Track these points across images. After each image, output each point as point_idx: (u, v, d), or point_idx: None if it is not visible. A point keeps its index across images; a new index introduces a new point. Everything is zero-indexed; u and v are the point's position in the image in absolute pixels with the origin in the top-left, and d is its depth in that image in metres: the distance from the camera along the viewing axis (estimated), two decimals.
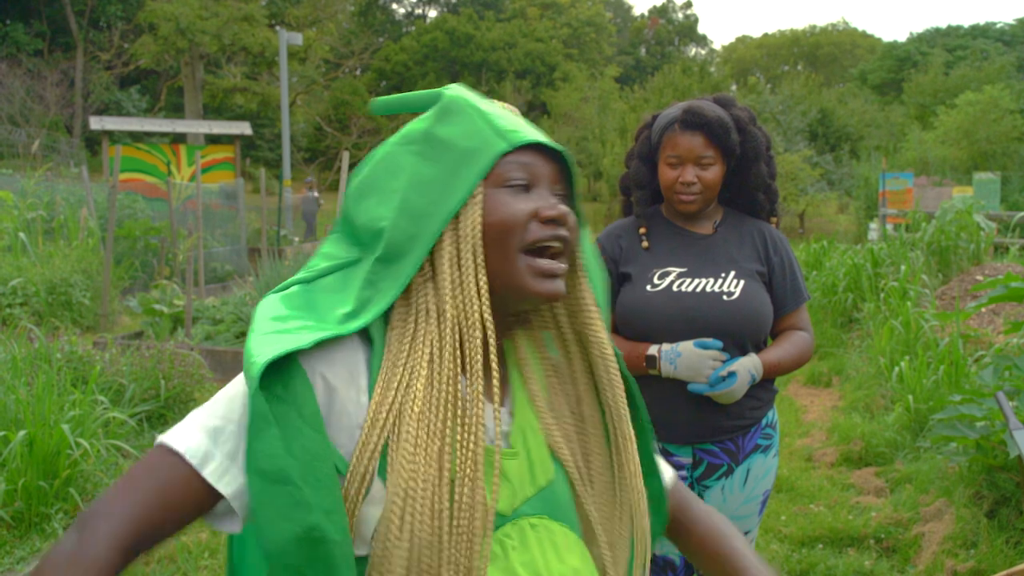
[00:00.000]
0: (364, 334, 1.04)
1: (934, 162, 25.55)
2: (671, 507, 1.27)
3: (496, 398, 1.02)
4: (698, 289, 2.28)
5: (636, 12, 64.75)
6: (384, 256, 1.05)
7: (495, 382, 1.01)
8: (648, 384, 2.24)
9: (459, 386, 1.01)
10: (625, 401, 1.15)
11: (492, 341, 1.02)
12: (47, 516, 3.80)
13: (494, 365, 1.01)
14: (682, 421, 2.26)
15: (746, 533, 2.36)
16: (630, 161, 2.46)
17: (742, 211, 2.43)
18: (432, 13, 50.34)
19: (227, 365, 6.48)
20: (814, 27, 60.28)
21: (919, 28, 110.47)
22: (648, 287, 2.30)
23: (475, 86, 34.70)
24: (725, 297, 2.26)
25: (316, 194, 19.11)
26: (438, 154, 1.08)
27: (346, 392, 1.00)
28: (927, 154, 25.99)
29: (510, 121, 1.11)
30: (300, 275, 1.10)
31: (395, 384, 1.00)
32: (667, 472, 1.28)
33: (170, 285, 7.57)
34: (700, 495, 2.34)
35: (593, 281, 1.17)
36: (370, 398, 1.00)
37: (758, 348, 2.30)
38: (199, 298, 7.79)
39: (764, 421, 2.33)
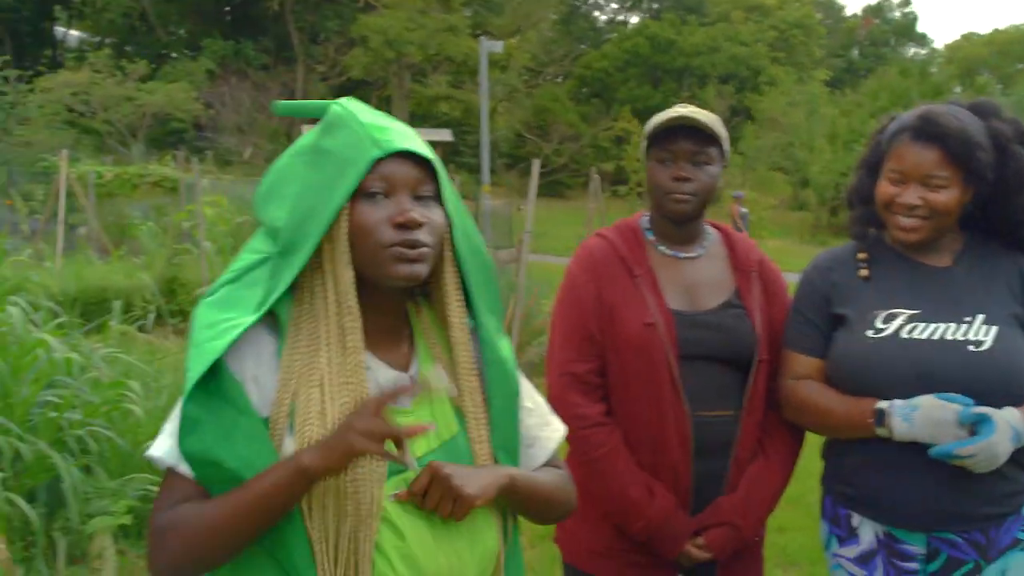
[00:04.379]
0: (274, 316, 1.26)
1: None
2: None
3: (403, 364, 1.32)
4: (935, 337, 1.82)
5: (848, 12, 61.50)
6: (281, 251, 1.26)
7: (404, 349, 1.34)
8: (872, 449, 1.82)
9: (355, 356, 1.23)
10: (473, 383, 1.34)
11: (357, 324, 1.24)
12: None
13: (358, 342, 1.24)
14: (915, 500, 1.81)
15: None
16: (857, 170, 2.03)
17: (996, 241, 1.95)
18: (634, 19, 49.94)
19: None
20: None
21: None
22: (870, 333, 1.87)
23: (676, 92, 34.05)
24: (972, 348, 1.79)
25: (745, 209, 17.64)
26: (322, 163, 1.27)
27: (258, 372, 1.23)
28: None
29: (386, 131, 1.27)
30: (226, 275, 1.30)
31: (296, 357, 1.23)
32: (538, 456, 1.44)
33: None
34: None
35: (465, 266, 1.33)
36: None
37: None
38: None
39: None
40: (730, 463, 2.03)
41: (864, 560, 1.92)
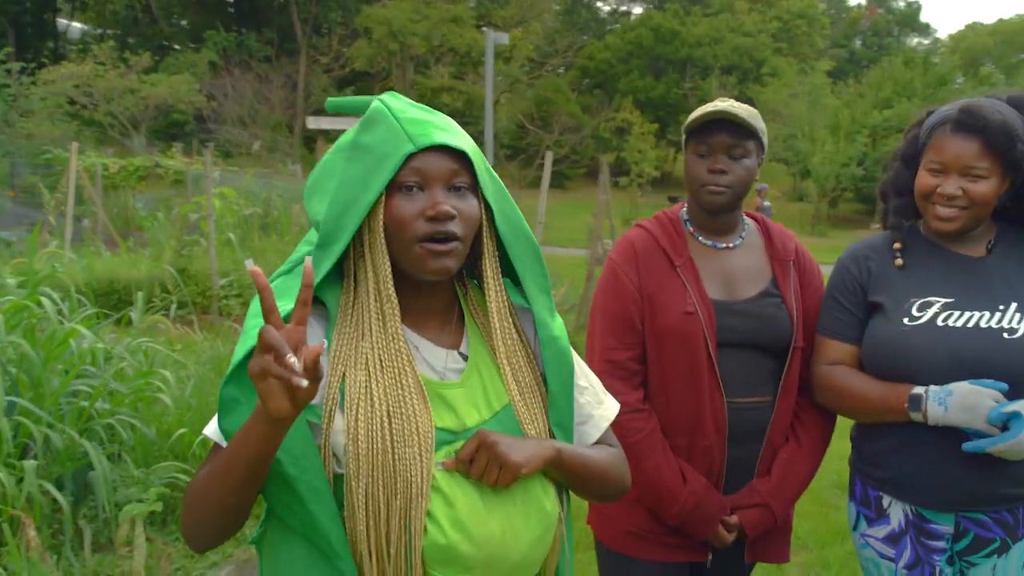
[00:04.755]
0: (323, 305, 1.32)
1: None
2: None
3: (452, 343, 1.37)
4: (969, 324, 1.87)
5: (852, 2, 61.03)
6: (320, 243, 1.30)
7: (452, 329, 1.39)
8: (904, 433, 1.88)
9: (395, 342, 1.28)
10: (516, 364, 1.37)
11: (395, 311, 1.29)
12: None
13: (398, 328, 1.29)
14: (946, 483, 1.87)
15: None
16: (892, 163, 2.09)
17: None
18: (637, 9, 49.78)
19: None
20: None
21: None
22: (905, 320, 1.92)
23: (678, 83, 33.82)
24: (1006, 335, 1.84)
25: (768, 203, 16.55)
26: (360, 157, 1.31)
27: None
28: None
29: (421, 124, 1.30)
30: (282, 267, 1.37)
31: (344, 341, 1.28)
32: (591, 433, 1.47)
33: None
34: (964, 574, 1.95)
35: (509, 250, 1.37)
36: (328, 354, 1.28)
37: None
38: None
39: None
40: (763, 447, 2.09)
41: (893, 540, 1.98)
